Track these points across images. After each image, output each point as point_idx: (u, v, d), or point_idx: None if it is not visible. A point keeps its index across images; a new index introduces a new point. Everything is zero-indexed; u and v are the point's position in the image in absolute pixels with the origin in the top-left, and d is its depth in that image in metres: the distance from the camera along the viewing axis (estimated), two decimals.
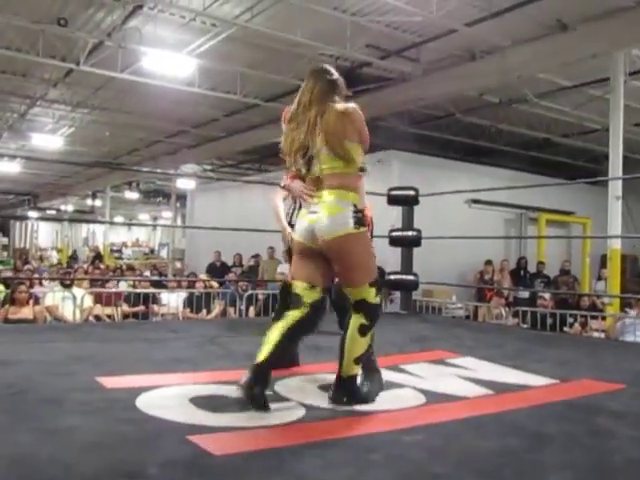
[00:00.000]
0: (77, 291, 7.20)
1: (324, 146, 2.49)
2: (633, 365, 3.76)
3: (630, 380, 3.16)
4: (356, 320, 2.48)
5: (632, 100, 9.23)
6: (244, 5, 7.69)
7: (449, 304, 9.14)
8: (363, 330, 2.46)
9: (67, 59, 9.29)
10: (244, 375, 2.30)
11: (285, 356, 2.69)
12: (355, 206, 2.48)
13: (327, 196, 2.50)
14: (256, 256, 12.47)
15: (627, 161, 8.06)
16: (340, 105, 2.52)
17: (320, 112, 2.49)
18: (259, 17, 7.83)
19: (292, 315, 2.45)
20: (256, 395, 2.28)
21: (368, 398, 2.53)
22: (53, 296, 7.06)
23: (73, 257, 22.09)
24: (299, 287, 2.52)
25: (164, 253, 24.80)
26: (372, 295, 2.49)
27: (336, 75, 2.63)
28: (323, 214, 2.47)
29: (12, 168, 18.38)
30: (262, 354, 2.33)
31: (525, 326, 7.02)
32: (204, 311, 7.64)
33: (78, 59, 9.09)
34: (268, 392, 2.42)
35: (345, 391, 2.47)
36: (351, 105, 2.55)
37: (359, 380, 2.55)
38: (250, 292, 7.83)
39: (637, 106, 10.00)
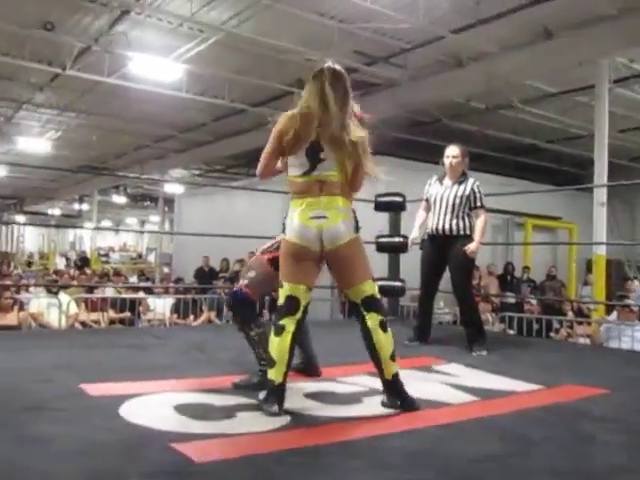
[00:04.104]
0: (63, 297, 7.12)
1: (348, 157, 2.51)
2: (616, 371, 3.80)
3: (613, 386, 3.19)
4: (374, 319, 2.50)
5: (617, 107, 9.32)
6: (231, 11, 7.69)
7: (436, 310, 9.12)
8: (384, 325, 2.50)
9: (54, 63, 9.24)
10: (264, 396, 2.42)
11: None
12: (354, 212, 2.63)
13: (337, 202, 2.52)
14: (241, 261, 12.42)
15: (612, 166, 8.14)
16: (362, 131, 2.57)
17: (350, 123, 2.51)
18: (246, 23, 7.84)
19: (291, 325, 2.45)
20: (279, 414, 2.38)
21: (415, 404, 2.57)
22: (38, 303, 6.98)
23: (79, 264, 18.85)
24: (299, 290, 2.49)
25: (152, 257, 24.65)
26: (376, 289, 2.58)
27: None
28: (337, 220, 2.50)
29: None
30: (279, 374, 2.41)
31: (512, 332, 7.03)
32: (191, 317, 7.59)
33: (64, 63, 9.05)
34: (252, 401, 2.53)
35: (397, 394, 2.52)
36: None
37: None
38: None
39: (621, 113, 10.10)
